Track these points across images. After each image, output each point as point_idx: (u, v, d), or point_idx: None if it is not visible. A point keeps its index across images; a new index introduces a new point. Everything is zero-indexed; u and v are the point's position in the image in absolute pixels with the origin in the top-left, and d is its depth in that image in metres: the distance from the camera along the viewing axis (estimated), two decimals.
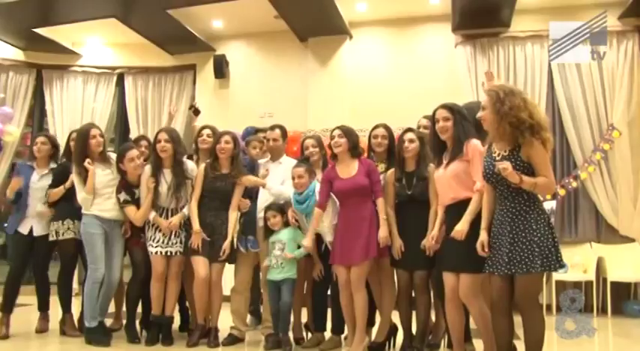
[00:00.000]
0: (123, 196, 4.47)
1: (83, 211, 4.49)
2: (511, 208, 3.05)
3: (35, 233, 4.83)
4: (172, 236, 4.46)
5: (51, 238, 4.75)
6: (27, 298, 5.25)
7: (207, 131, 4.74)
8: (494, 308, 3.11)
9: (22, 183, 4.80)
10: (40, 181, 4.86)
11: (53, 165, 4.96)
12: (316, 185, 4.27)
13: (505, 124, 2.99)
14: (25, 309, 5.35)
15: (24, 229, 4.84)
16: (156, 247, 4.44)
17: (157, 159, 4.51)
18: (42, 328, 4.94)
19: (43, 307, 4.99)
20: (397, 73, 7.40)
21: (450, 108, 3.57)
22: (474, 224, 3.30)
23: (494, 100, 3.04)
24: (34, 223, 4.84)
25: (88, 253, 4.46)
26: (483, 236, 3.17)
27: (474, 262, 3.21)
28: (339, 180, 4.09)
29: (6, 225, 5.00)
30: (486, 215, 3.22)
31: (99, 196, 4.49)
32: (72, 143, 4.69)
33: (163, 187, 4.46)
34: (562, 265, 3.04)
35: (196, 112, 5.37)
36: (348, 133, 4.15)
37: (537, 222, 2.98)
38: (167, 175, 4.50)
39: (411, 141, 4.01)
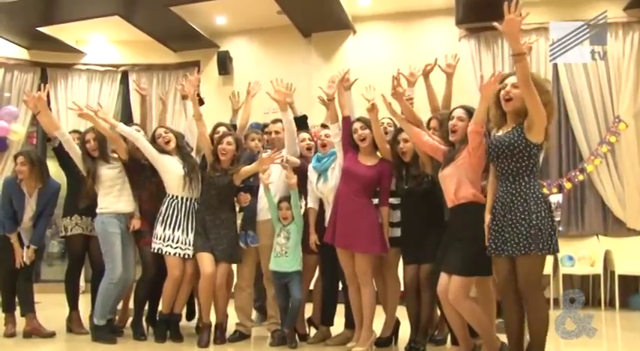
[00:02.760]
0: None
1: (99, 210, 4.48)
2: (511, 189, 3.06)
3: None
4: (189, 235, 4.39)
5: (60, 234, 4.85)
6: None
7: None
8: (501, 294, 3.12)
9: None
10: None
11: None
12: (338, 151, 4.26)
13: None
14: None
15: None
16: (175, 248, 4.36)
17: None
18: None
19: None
20: (401, 68, 7.31)
21: (468, 110, 3.50)
22: (474, 227, 3.25)
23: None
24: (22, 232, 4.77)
25: (106, 253, 4.43)
26: (487, 218, 3.18)
27: (467, 266, 3.23)
28: (356, 161, 4.05)
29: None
30: (490, 196, 3.22)
31: (110, 192, 4.50)
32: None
33: (177, 172, 4.42)
34: (557, 250, 3.05)
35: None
36: (370, 123, 4.08)
37: (537, 204, 2.99)
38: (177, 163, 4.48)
39: (405, 141, 3.99)
